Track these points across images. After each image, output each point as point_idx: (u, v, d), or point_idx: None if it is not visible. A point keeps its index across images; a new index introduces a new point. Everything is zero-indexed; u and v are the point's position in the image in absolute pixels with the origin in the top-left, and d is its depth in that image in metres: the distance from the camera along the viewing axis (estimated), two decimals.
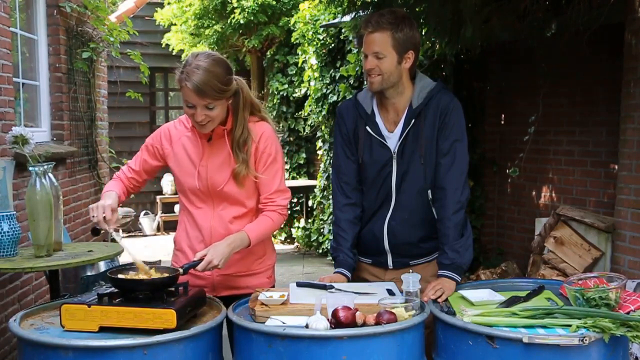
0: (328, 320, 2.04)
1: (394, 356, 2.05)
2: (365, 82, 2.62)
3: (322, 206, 7.69)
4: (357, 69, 6.35)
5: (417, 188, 2.57)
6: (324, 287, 2.37)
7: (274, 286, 2.65)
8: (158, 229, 10.05)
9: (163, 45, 9.26)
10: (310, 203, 8.26)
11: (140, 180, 2.66)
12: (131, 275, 2.26)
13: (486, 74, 5.93)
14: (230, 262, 2.45)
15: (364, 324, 2.05)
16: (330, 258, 5.71)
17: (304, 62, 7.66)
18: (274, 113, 8.59)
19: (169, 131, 2.59)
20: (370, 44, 2.50)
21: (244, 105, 2.48)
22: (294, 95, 8.45)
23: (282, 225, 3.03)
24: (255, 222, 2.52)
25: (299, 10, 7.67)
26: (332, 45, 7.05)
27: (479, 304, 2.32)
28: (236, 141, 2.47)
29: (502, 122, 5.92)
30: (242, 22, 8.07)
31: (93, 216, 2.35)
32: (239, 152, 2.46)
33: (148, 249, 8.50)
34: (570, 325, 2.04)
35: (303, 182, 8.49)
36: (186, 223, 2.60)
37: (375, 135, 2.59)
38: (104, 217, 2.35)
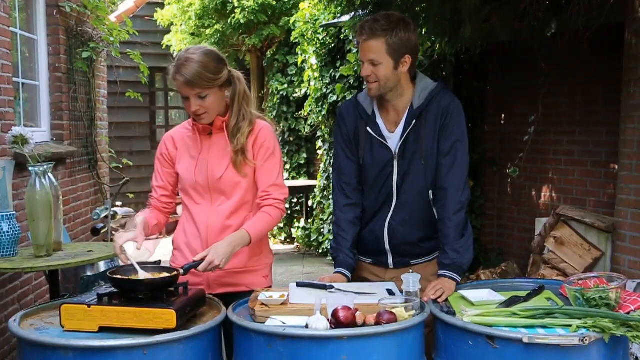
0: (328, 320, 2.04)
1: (394, 356, 2.05)
2: (365, 83, 2.62)
3: (322, 206, 7.68)
4: (356, 69, 6.34)
5: (417, 188, 2.57)
6: (324, 287, 2.37)
7: (271, 287, 2.64)
8: None
9: (164, 47, 9.26)
10: (310, 203, 8.25)
11: (169, 193, 2.70)
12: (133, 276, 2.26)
13: (486, 74, 5.93)
14: None
15: (364, 324, 2.05)
16: (330, 258, 5.71)
17: (303, 62, 7.66)
18: (274, 113, 8.59)
19: (171, 136, 2.67)
20: (365, 51, 2.49)
21: (241, 97, 2.54)
22: (294, 95, 8.44)
23: (281, 222, 2.99)
24: (253, 219, 2.52)
25: (299, 9, 7.67)
26: (332, 45, 7.05)
27: (479, 304, 2.32)
28: (231, 129, 2.53)
29: (502, 122, 5.92)
30: (242, 21, 8.07)
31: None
32: (234, 139, 2.52)
33: (148, 250, 8.48)
34: (570, 326, 2.04)
35: (303, 182, 8.48)
36: (185, 222, 2.65)
37: (376, 136, 2.58)
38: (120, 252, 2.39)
